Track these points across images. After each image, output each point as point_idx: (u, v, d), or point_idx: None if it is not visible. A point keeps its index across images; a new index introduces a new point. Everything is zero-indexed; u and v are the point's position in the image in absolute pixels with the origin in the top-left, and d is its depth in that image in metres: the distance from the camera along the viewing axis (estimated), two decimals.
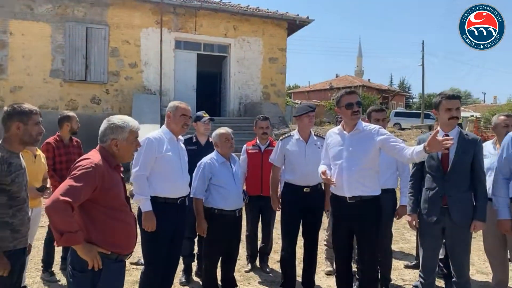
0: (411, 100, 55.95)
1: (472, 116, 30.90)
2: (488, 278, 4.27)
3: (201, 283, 4.18)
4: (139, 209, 3.34)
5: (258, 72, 15.37)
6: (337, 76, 47.62)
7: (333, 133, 3.56)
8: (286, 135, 4.28)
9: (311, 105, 4.22)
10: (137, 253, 4.82)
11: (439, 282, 4.34)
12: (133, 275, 4.48)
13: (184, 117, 3.54)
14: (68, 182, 2.22)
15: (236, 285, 4.10)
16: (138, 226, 3.30)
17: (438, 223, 3.24)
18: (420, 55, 39.20)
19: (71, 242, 2.21)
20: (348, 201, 3.33)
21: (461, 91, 77.10)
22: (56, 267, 4.64)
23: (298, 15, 15.65)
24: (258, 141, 4.87)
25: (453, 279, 3.27)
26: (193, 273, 4.58)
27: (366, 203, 3.31)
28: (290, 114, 25.02)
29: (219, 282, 4.02)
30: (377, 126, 3.40)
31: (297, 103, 30.82)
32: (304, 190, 3.98)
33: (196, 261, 4.63)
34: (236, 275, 4.20)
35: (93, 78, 13.26)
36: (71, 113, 4.73)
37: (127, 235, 2.47)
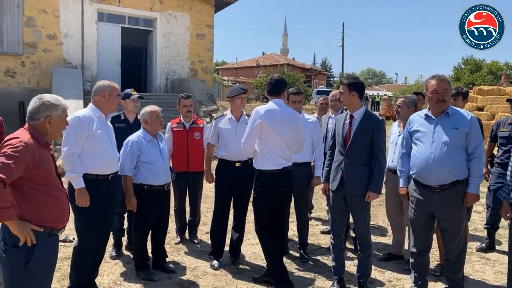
0: (332, 79, 58.40)
1: (385, 95, 33.32)
2: (390, 239, 4.91)
3: (131, 256, 4.32)
4: (70, 186, 3.39)
5: (185, 48, 15.23)
6: (263, 54, 48.22)
7: None
8: (220, 114, 4.55)
9: (244, 87, 4.53)
10: (65, 230, 4.84)
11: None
12: (61, 251, 4.50)
13: (118, 97, 3.68)
14: (0, 160, 2.27)
15: (167, 256, 4.32)
16: (69, 202, 3.39)
17: (339, 191, 3.68)
18: (340, 36, 40.95)
19: (4, 218, 2.26)
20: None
21: (376, 71, 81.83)
22: None
23: None
24: (182, 119, 4.98)
25: (357, 241, 3.78)
26: (123, 247, 4.71)
27: (258, 175, 3.82)
28: (218, 90, 25.10)
29: (150, 255, 4.21)
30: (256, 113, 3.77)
31: (225, 80, 30.92)
32: (236, 164, 4.30)
33: (126, 235, 4.76)
34: (166, 247, 4.40)
35: (6, 49, 12.30)
36: None
37: (59, 210, 2.54)
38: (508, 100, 5.11)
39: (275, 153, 3.71)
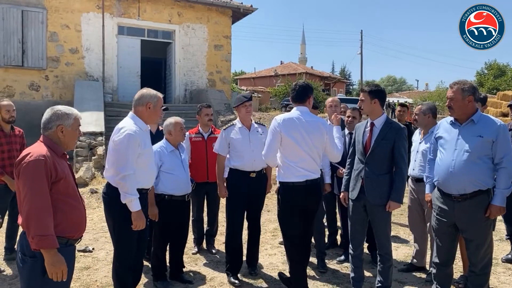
0: (351, 87, 57.99)
1: (406, 102, 32.85)
2: (411, 249, 4.78)
3: (150, 266, 4.33)
4: (107, 197, 3.28)
5: (204, 59, 15.38)
6: (281, 63, 48.29)
7: None
8: (229, 124, 4.43)
9: (246, 95, 4.39)
10: (84, 240, 4.91)
11: None
12: (80, 261, 4.55)
13: (161, 109, 3.55)
14: (27, 189, 2.32)
15: (184, 266, 4.31)
16: (109, 216, 3.31)
17: (359, 200, 3.61)
18: (359, 44, 40.65)
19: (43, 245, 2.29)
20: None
21: (396, 78, 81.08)
22: None
23: (242, 3, 15.78)
24: (201, 129, 4.97)
25: (377, 251, 3.69)
26: None
27: (280, 188, 3.65)
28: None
29: (167, 264, 4.21)
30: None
31: (243, 89, 31.05)
32: (251, 175, 4.20)
33: None
34: (184, 257, 4.38)
35: (30, 63, 12.63)
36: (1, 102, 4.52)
37: (77, 220, 2.55)
38: (510, 105, 4.94)
39: (296, 164, 3.46)
